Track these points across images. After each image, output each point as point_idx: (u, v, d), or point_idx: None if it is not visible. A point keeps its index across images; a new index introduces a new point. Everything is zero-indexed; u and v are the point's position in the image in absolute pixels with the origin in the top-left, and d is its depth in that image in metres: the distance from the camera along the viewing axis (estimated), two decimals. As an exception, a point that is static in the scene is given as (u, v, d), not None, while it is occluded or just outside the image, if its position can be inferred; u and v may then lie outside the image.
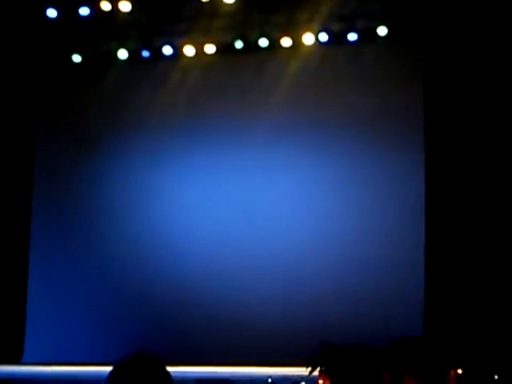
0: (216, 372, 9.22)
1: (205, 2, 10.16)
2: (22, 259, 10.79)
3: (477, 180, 9.35)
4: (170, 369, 3.44)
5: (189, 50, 10.58)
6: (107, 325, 10.45)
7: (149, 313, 10.27)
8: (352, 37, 10.16)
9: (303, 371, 8.43)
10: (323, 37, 10.17)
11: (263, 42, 10.36)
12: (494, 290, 8.95)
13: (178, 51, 10.59)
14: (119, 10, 10.32)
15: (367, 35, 10.12)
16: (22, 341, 10.64)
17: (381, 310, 9.52)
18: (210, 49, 10.55)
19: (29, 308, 10.73)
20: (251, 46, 10.42)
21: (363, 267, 9.74)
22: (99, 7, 10.31)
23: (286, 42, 10.30)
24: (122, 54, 10.69)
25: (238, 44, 10.42)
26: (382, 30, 10.01)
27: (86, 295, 10.57)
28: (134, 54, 10.72)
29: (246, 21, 10.35)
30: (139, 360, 3.39)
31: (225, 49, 10.53)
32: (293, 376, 8.55)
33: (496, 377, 8.20)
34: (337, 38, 10.20)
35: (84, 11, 10.38)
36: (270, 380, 8.81)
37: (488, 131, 9.38)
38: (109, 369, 3.39)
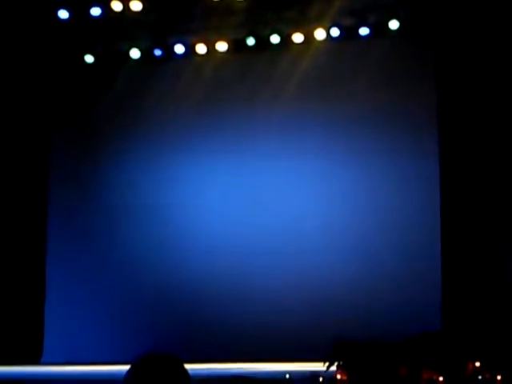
0: (233, 368, 9.24)
1: (216, 0, 10.17)
2: (39, 261, 10.84)
3: (491, 175, 9.32)
4: (187, 366, 3.44)
5: (201, 48, 10.58)
6: (124, 324, 10.48)
7: (165, 311, 10.30)
8: (364, 31, 10.13)
9: (320, 366, 8.46)
10: (335, 32, 10.16)
11: (275, 39, 10.35)
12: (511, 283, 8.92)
13: (190, 49, 10.61)
14: (130, 10, 10.34)
15: (379, 29, 10.09)
16: (41, 341, 10.69)
17: (398, 304, 9.50)
18: (222, 46, 10.55)
19: (47, 308, 10.77)
20: (263, 42, 10.42)
21: (379, 263, 9.73)
22: (110, 7, 10.33)
23: (297, 38, 10.29)
24: (135, 53, 10.72)
25: (250, 41, 10.41)
26: (394, 24, 9.98)
27: (103, 295, 10.61)
28: (146, 53, 10.74)
29: (257, 18, 10.35)
30: (157, 359, 3.39)
31: (237, 46, 10.54)
32: (310, 371, 8.55)
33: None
34: (348, 33, 10.18)
35: (95, 11, 10.41)
36: (287, 376, 8.81)
37: (503, 126, 9.34)
38: (126, 368, 3.40)
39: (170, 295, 10.31)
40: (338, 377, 7.63)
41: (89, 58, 10.90)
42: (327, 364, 7.76)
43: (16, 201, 10.79)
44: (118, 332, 10.48)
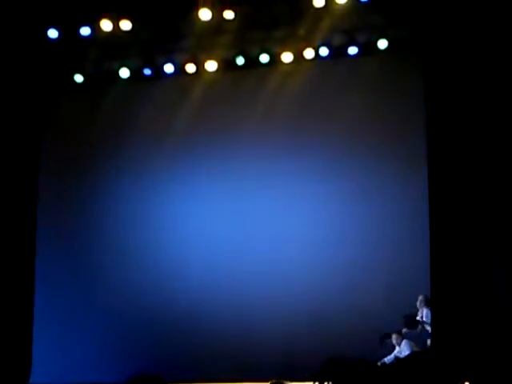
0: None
1: (205, 20, 10.19)
2: (28, 282, 10.79)
3: (479, 188, 9.33)
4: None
5: (190, 68, 10.61)
6: (111, 345, 10.45)
7: (152, 332, 10.28)
8: (352, 50, 10.18)
9: (310, 387, 8.37)
10: (324, 51, 10.21)
11: (264, 58, 10.39)
12: (501, 302, 8.93)
13: (179, 69, 10.63)
14: (120, 29, 10.34)
15: (368, 48, 10.13)
16: (29, 364, 10.63)
17: (388, 324, 9.50)
18: (211, 66, 10.58)
19: (35, 332, 10.72)
20: (252, 61, 10.45)
21: (370, 284, 9.74)
22: (100, 27, 10.33)
23: (286, 57, 10.34)
24: (124, 72, 10.73)
25: (240, 60, 10.45)
26: (383, 43, 10.04)
27: (92, 318, 10.58)
28: (135, 73, 10.75)
29: (246, 37, 10.38)
30: (144, 380, 3.40)
31: (226, 65, 10.57)
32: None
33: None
34: (337, 52, 10.23)
35: (85, 31, 10.41)
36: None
37: (490, 139, 9.36)
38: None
39: (156, 314, 10.30)
40: (328, 396, 7.60)
41: (78, 78, 10.91)
42: (317, 383, 7.74)
43: (4, 221, 10.76)
44: (104, 353, 10.45)
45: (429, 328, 9.15)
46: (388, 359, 9.24)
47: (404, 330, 9.41)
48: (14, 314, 10.60)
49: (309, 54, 10.26)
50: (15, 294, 10.68)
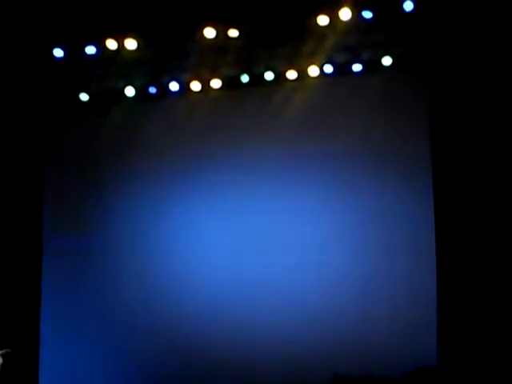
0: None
1: (210, 38, 10.26)
2: (34, 300, 10.78)
3: (486, 204, 9.32)
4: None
5: (195, 86, 10.66)
6: (112, 363, 10.44)
7: (154, 349, 10.27)
8: (357, 68, 10.21)
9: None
10: (328, 68, 10.25)
11: (269, 76, 10.43)
12: (507, 320, 8.90)
13: (184, 87, 10.67)
14: (125, 48, 10.44)
15: (372, 66, 10.16)
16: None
17: (394, 340, 9.48)
18: (216, 83, 10.62)
19: (41, 355, 10.72)
20: (257, 79, 10.48)
21: (375, 300, 9.72)
22: (105, 46, 10.42)
23: (291, 74, 10.37)
24: (129, 91, 10.77)
25: (244, 78, 10.49)
26: (387, 60, 10.07)
27: (94, 331, 10.58)
28: (140, 91, 10.79)
29: (251, 55, 10.44)
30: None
31: (231, 83, 10.60)
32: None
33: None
34: (342, 70, 10.25)
35: (90, 50, 10.51)
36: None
37: (495, 157, 9.36)
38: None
39: (159, 330, 10.29)
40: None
41: (84, 97, 10.95)
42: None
43: (8, 240, 10.77)
44: (107, 370, 10.45)
45: None
46: None
47: None
48: (20, 334, 10.58)
49: (313, 71, 10.30)
50: (20, 313, 10.68)
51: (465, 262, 9.10)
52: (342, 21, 9.91)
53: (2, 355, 8.30)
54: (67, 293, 10.81)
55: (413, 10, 9.73)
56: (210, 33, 10.24)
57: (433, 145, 9.71)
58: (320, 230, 10.09)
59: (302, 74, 10.34)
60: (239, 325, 10.04)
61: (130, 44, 10.43)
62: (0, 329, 10.37)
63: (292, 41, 10.29)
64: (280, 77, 10.40)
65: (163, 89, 10.74)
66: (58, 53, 10.58)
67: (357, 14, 9.89)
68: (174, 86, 10.68)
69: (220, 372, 9.95)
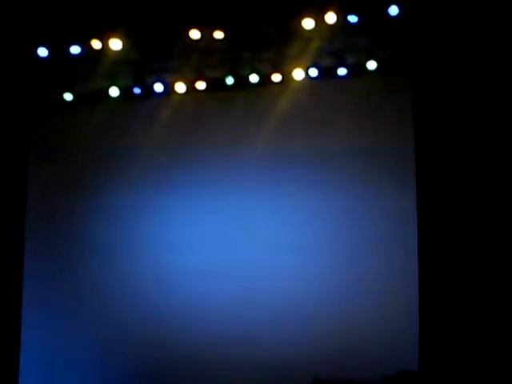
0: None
1: (195, 40, 10.27)
2: (15, 305, 10.71)
3: (471, 209, 9.35)
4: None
5: (180, 87, 10.66)
6: (96, 369, 10.41)
7: (140, 357, 10.24)
8: (342, 71, 10.25)
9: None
10: (313, 72, 10.28)
11: (254, 78, 10.44)
12: (491, 322, 8.93)
13: (169, 88, 10.66)
14: (110, 49, 10.43)
15: (357, 69, 10.20)
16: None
17: (375, 343, 9.50)
18: (200, 85, 10.62)
19: (22, 359, 10.66)
20: (242, 81, 10.49)
21: (355, 301, 9.74)
22: (90, 46, 10.41)
23: (276, 77, 10.39)
24: (114, 91, 10.76)
25: (229, 80, 10.50)
26: (372, 64, 10.11)
27: (84, 340, 10.54)
28: (125, 92, 10.77)
29: (236, 57, 10.46)
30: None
31: (216, 85, 10.61)
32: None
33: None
34: (326, 73, 10.28)
35: (75, 50, 10.49)
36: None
37: (481, 161, 9.40)
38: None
39: (146, 338, 10.27)
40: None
41: (68, 96, 10.93)
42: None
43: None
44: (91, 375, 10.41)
45: None
46: None
47: None
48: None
49: (298, 74, 10.32)
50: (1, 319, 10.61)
51: (448, 262, 9.13)
52: (327, 24, 9.95)
53: None
54: (50, 286, 10.76)
55: (398, 15, 9.78)
56: (195, 34, 10.26)
57: (417, 149, 9.75)
58: (305, 232, 10.10)
59: (287, 77, 10.37)
60: (222, 327, 10.03)
61: (115, 44, 10.43)
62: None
63: (277, 44, 10.32)
64: (265, 79, 10.42)
65: (148, 89, 10.73)
66: (43, 52, 10.56)
67: (342, 18, 9.94)
68: (158, 87, 10.68)
69: (201, 373, 9.94)
